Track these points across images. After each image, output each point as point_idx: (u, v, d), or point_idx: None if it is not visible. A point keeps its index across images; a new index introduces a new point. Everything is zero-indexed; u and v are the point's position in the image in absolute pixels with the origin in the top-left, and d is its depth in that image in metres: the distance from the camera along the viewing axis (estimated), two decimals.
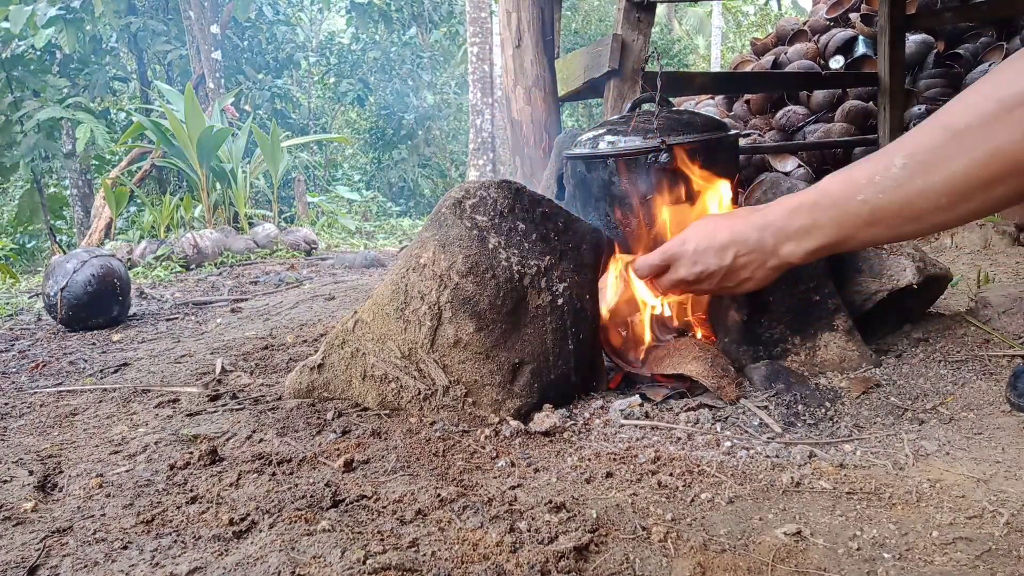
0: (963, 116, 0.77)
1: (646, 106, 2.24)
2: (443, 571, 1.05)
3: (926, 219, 0.80)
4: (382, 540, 1.13)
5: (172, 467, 1.48)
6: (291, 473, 1.43)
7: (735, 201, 2.03)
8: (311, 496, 1.29)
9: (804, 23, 5.92)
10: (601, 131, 2.03)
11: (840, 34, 5.26)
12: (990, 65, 4.44)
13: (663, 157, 1.89)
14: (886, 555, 1.10)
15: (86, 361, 2.59)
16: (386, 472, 1.43)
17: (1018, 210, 3.59)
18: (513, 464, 1.47)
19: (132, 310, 3.51)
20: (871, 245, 0.90)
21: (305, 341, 2.65)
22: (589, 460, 1.48)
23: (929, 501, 1.27)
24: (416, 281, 1.72)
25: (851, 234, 0.85)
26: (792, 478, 1.36)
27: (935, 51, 4.88)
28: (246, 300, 3.87)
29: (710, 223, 1.10)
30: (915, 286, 2.03)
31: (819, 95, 4.85)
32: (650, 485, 1.36)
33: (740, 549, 1.13)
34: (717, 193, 1.92)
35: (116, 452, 1.61)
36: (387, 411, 1.75)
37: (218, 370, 2.28)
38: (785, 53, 5.46)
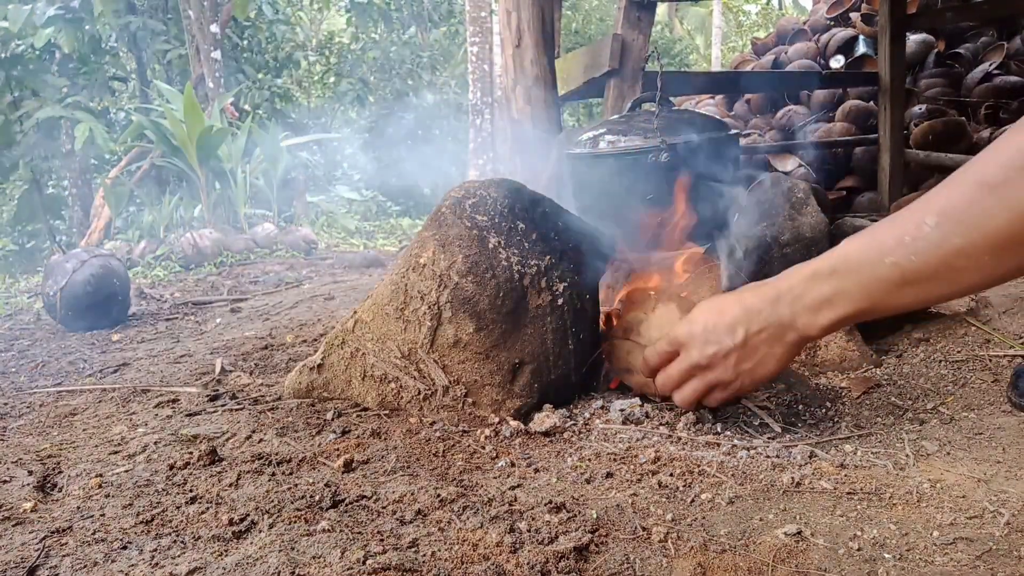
0: (1000, 171, 0.73)
1: (646, 105, 2.24)
2: (443, 571, 1.05)
3: (964, 280, 0.75)
4: (382, 540, 1.13)
5: (171, 467, 1.48)
6: (291, 473, 1.43)
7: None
8: (311, 496, 1.28)
9: (804, 22, 5.92)
10: (601, 130, 2.02)
11: (840, 33, 5.26)
12: (990, 65, 4.44)
13: (663, 156, 1.89)
14: (887, 555, 1.10)
15: (85, 361, 2.59)
16: (386, 472, 1.42)
17: None
18: (513, 464, 1.47)
19: (131, 310, 3.51)
20: (898, 312, 0.83)
21: (305, 341, 2.65)
22: (589, 460, 1.48)
23: (930, 501, 1.27)
24: (416, 281, 1.72)
25: (879, 300, 0.79)
26: (793, 478, 1.36)
27: (936, 51, 4.88)
28: (245, 300, 3.86)
29: (718, 302, 1.04)
30: None
31: (820, 95, 4.85)
32: (650, 485, 1.35)
33: (740, 549, 1.13)
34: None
35: (115, 452, 1.61)
36: (387, 411, 1.75)
37: (217, 370, 2.28)
38: (786, 52, 5.46)
